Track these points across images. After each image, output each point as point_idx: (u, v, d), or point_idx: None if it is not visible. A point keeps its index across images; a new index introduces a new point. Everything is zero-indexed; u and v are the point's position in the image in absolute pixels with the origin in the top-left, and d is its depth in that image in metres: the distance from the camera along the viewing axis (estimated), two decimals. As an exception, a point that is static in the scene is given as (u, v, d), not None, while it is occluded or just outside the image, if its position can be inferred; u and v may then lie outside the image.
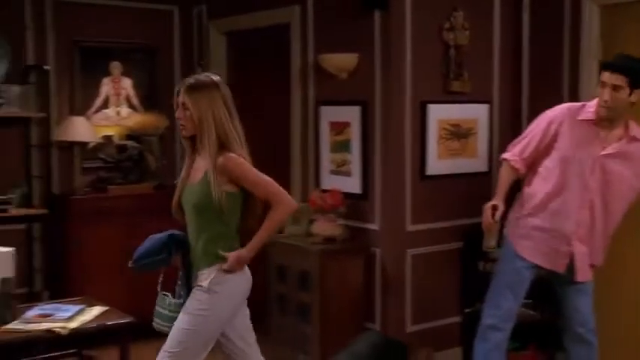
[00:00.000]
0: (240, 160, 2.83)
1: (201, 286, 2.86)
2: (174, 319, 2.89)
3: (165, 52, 5.47)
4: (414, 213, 4.25)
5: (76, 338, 3.28)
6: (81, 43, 5.11)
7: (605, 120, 3.22)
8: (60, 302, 3.60)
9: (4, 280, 3.35)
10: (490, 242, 3.39)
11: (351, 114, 4.37)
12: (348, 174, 4.44)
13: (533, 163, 3.42)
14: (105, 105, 5.26)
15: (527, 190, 3.45)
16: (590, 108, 3.26)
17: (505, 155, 3.51)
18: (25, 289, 4.76)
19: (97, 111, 5.22)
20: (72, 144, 4.98)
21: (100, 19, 5.16)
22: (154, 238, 2.97)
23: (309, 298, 4.15)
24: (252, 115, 5.39)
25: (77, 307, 3.45)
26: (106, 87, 5.24)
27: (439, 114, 4.29)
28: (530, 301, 3.89)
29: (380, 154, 4.24)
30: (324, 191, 4.40)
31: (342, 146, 4.47)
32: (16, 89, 4.76)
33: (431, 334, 4.32)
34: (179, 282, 2.95)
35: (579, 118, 3.28)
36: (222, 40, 5.42)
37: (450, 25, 4.25)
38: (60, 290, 4.78)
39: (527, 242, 3.40)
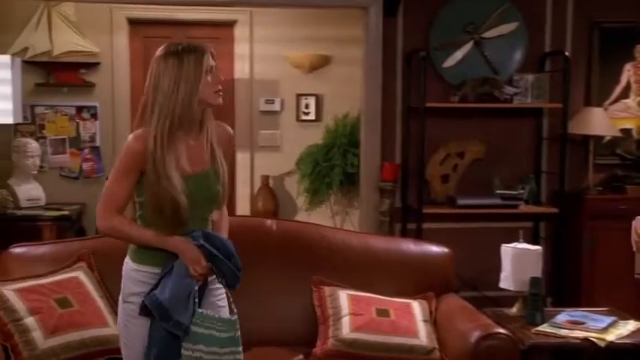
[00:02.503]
0: None
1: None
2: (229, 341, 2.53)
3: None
4: None
5: (610, 353, 3.33)
6: (601, 25, 5.15)
7: None
8: (587, 311, 3.69)
9: (534, 279, 3.58)
10: None
11: None
12: None
13: None
14: (624, 94, 5.21)
15: None
16: None
17: None
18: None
19: (614, 101, 5.21)
20: (586, 138, 5.06)
21: (625, -4, 5.14)
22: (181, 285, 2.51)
23: None
24: None
25: (609, 319, 3.49)
26: (627, 73, 5.20)
27: None
28: None
29: None
30: None
31: None
32: (530, 78, 5.02)
33: None
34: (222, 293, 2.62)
35: None
36: None
37: None
38: (566, 296, 4.93)
39: None
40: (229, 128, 2.74)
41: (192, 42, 2.57)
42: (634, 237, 2.89)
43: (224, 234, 2.72)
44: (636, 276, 3.03)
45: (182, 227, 2.53)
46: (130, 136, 2.54)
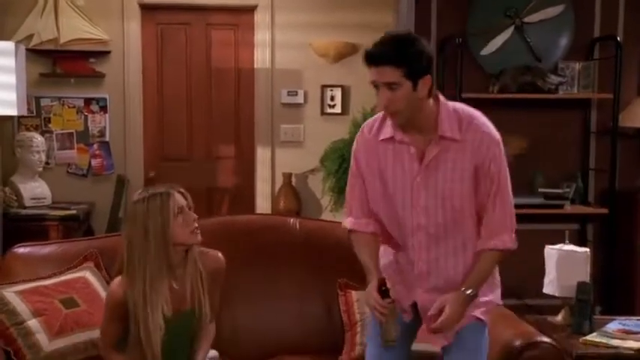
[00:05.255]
0: None
1: None
2: None
3: None
4: None
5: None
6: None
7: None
8: (640, 319, 3.65)
9: (582, 285, 3.54)
10: None
11: None
12: None
13: None
14: (681, 84, 5.16)
15: None
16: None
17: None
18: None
19: (670, 91, 5.17)
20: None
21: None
22: None
23: None
24: None
25: (664, 327, 3.45)
26: (683, 61, 5.15)
27: None
28: None
29: None
30: None
31: None
32: (577, 66, 4.98)
33: None
34: None
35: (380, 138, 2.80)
36: None
37: None
38: (616, 304, 4.87)
39: None
40: (220, 256, 2.99)
41: (159, 187, 2.81)
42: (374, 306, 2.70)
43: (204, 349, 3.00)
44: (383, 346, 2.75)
45: None
46: (114, 282, 2.86)
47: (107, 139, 6.08)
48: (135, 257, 2.76)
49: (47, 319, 3.14)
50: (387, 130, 2.75)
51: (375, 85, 2.63)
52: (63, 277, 3.34)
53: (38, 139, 5.47)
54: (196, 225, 2.82)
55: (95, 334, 3.13)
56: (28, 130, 5.78)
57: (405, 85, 2.58)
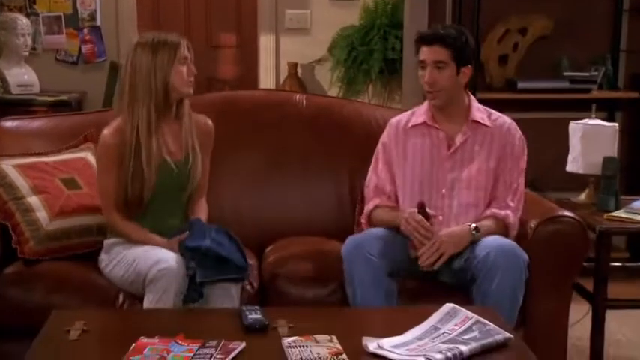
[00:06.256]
0: None
1: None
2: None
3: None
4: None
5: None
6: None
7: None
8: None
9: (608, 160, 3.57)
10: None
11: None
12: None
13: None
14: None
15: None
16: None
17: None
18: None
19: None
20: None
21: None
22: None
23: None
24: None
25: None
26: None
27: None
28: None
29: None
30: None
31: None
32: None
33: None
34: None
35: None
36: None
37: None
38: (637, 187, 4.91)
39: None
40: (209, 121, 3.24)
41: (167, 35, 3.06)
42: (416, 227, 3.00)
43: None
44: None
45: (140, 212, 3.03)
46: (105, 131, 3.04)
47: (98, 23, 6.05)
48: (142, 90, 2.99)
49: (48, 197, 3.21)
50: (418, 119, 3.23)
51: (422, 66, 3.12)
52: (62, 156, 3.39)
53: (23, 20, 5.45)
54: (192, 79, 3.08)
55: (98, 219, 3.19)
56: (11, 11, 5.73)
57: (451, 67, 3.09)
